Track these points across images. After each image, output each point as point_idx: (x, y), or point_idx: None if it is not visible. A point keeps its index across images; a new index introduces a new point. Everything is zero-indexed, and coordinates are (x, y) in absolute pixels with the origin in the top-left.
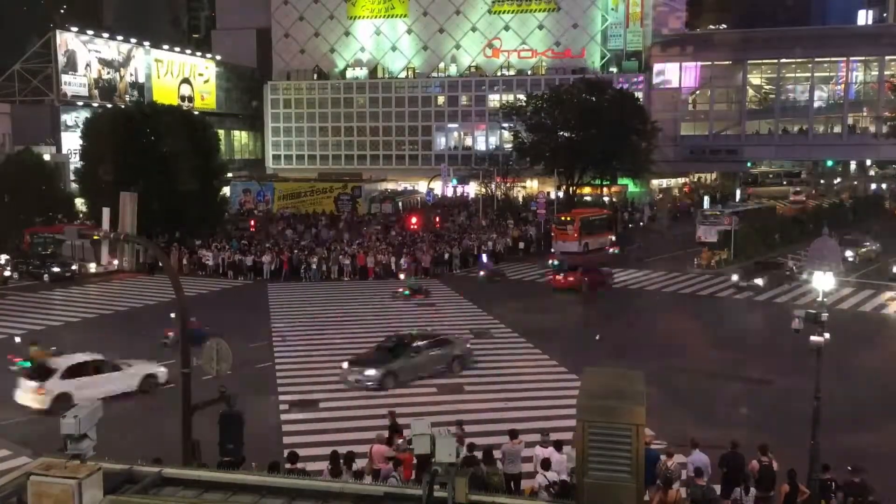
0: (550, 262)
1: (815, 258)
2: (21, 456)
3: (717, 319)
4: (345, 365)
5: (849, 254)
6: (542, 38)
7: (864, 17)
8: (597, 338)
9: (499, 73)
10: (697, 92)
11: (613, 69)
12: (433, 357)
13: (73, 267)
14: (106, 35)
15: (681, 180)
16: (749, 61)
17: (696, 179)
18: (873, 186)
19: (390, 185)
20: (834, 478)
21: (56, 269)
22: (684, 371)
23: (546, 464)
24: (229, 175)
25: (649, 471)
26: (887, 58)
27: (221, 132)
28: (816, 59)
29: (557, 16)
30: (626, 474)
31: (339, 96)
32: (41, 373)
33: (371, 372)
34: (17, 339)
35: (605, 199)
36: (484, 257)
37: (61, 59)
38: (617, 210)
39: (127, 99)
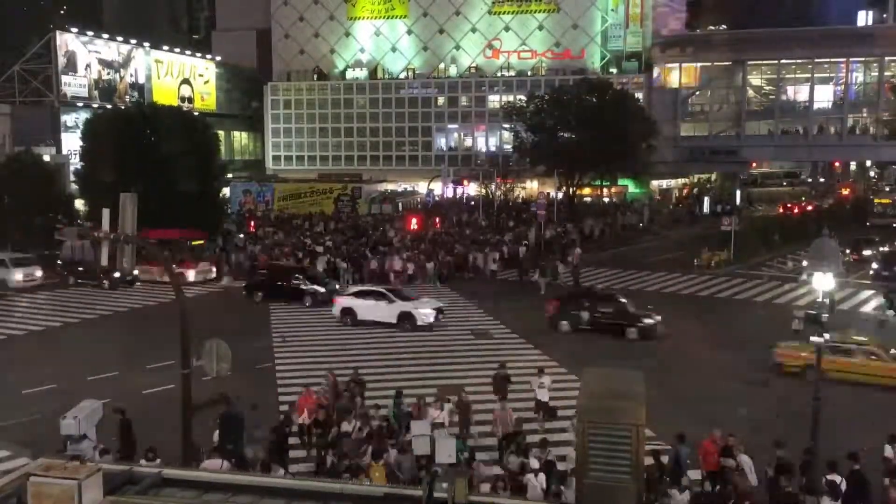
0: None
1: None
2: (21, 457)
3: (717, 319)
4: None
5: None
6: (541, 38)
7: (864, 18)
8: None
9: (499, 74)
10: (697, 93)
11: (613, 70)
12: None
13: None
14: (106, 36)
15: (681, 181)
16: (749, 62)
17: (695, 180)
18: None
19: (390, 186)
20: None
21: None
22: (684, 371)
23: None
24: (229, 176)
25: None
26: (887, 58)
27: (221, 133)
28: (816, 60)
29: (557, 16)
30: (626, 475)
31: (340, 97)
32: None
33: None
34: None
35: (605, 199)
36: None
37: (61, 60)
38: None
39: (127, 100)
